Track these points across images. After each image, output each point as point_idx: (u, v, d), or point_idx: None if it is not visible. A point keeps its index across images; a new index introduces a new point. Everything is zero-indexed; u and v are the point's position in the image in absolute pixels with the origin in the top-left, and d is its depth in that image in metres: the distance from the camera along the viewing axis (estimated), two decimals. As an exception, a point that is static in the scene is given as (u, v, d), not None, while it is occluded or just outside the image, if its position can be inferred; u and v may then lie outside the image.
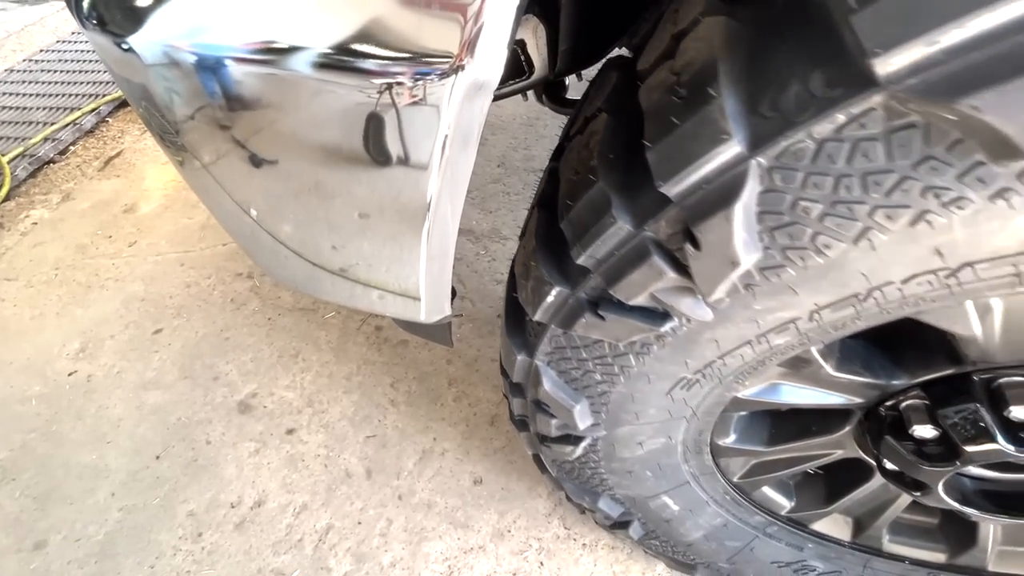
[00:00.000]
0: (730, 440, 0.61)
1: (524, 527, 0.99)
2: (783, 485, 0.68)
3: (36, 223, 1.73)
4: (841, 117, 0.29)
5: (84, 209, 1.77)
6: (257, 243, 0.54)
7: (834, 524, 0.68)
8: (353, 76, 0.32)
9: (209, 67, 0.33)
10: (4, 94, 2.39)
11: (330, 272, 0.50)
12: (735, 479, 0.66)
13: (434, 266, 0.46)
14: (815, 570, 0.70)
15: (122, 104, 2.30)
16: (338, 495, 1.05)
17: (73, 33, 2.89)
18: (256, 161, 0.41)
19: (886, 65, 0.27)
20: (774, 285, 0.37)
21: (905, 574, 0.68)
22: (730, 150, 0.33)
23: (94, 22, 0.36)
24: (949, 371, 0.47)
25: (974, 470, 0.54)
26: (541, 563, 0.95)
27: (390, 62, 0.31)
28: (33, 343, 1.37)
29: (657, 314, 0.43)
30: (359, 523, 1.01)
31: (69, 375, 1.30)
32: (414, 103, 0.32)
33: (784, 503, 0.68)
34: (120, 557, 0.99)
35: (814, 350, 0.48)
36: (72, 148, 2.08)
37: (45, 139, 2.06)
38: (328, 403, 1.19)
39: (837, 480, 0.66)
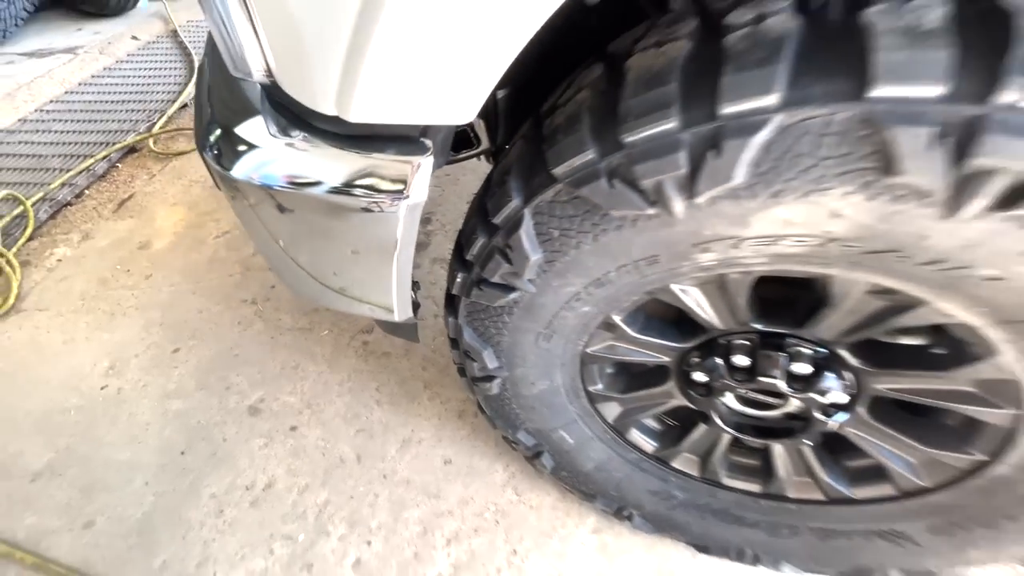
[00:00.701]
0: (599, 388, 0.88)
1: (484, 495, 1.24)
2: (649, 429, 0.95)
3: (60, 260, 1.96)
4: (552, 192, 0.62)
5: (103, 247, 2.01)
6: (289, 271, 0.82)
7: (687, 462, 0.94)
8: (353, 198, 0.60)
9: (269, 186, 0.62)
10: (20, 143, 2.63)
11: (334, 291, 0.78)
12: (611, 421, 0.92)
13: (400, 288, 0.73)
14: (677, 498, 0.97)
15: (130, 151, 2.56)
16: (334, 477, 1.29)
17: (80, 84, 3.15)
18: (291, 227, 0.68)
19: (559, 171, 0.59)
20: (555, 271, 0.68)
21: (739, 501, 0.94)
22: (514, 204, 0.65)
23: (211, 156, 0.64)
24: (705, 336, 0.76)
25: (747, 410, 0.82)
26: (497, 521, 1.20)
27: (374, 192, 0.59)
28: (67, 363, 1.60)
29: (508, 287, 0.73)
30: (351, 497, 1.25)
31: (101, 389, 1.52)
32: (386, 208, 0.61)
33: (650, 444, 0.95)
34: (156, 531, 1.22)
35: (616, 318, 0.76)
36: (87, 191, 2.32)
37: (63, 184, 2.30)
38: (324, 405, 1.44)
39: (683, 426, 0.93)
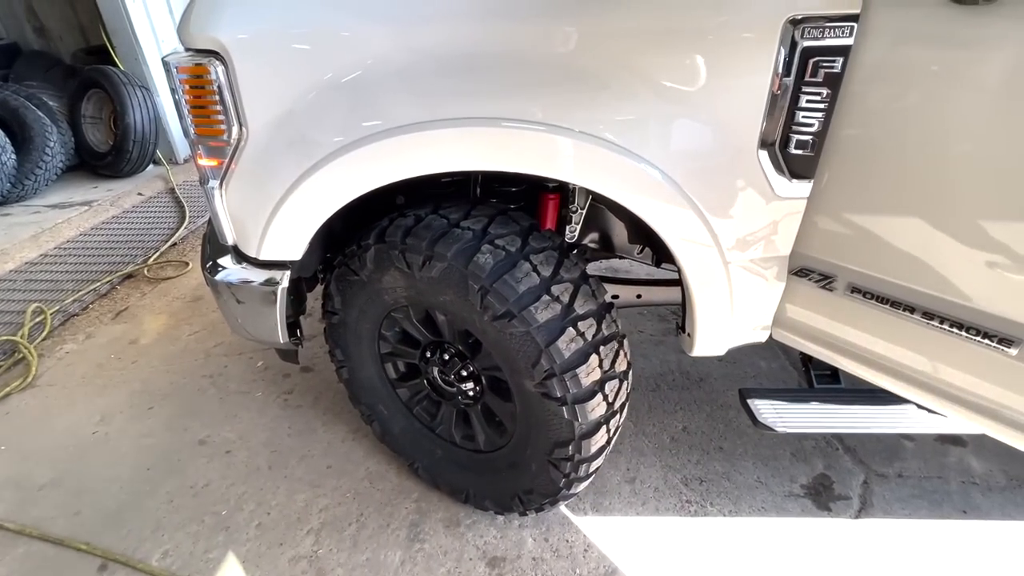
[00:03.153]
0: (394, 378, 1.65)
1: (349, 484, 1.92)
2: (424, 408, 1.70)
3: (68, 352, 2.68)
4: (336, 272, 1.49)
5: (102, 343, 2.74)
6: (238, 326, 1.62)
7: (445, 430, 1.69)
8: (264, 286, 1.44)
9: (231, 283, 1.48)
10: (42, 271, 3.42)
11: (256, 336, 1.57)
12: (404, 401, 1.68)
13: (282, 329, 1.53)
14: (438, 454, 1.69)
15: (128, 276, 3.38)
16: (251, 478, 1.95)
17: (92, 228, 4.04)
18: (239, 307, 1.51)
19: (335, 264, 1.49)
20: (346, 304, 1.51)
21: (466, 455, 1.65)
22: (327, 278, 1.53)
23: (208, 272, 1.49)
24: (423, 345, 1.56)
25: (441, 384, 1.59)
26: (354, 498, 1.87)
27: (270, 284, 1.44)
28: (68, 419, 2.26)
29: (334, 313, 1.55)
30: (261, 489, 1.91)
31: (93, 433, 2.18)
32: (276, 287, 1.45)
33: (426, 418, 1.69)
34: (124, 514, 1.83)
35: (385, 332, 1.55)
36: (92, 305, 3.09)
37: (74, 300, 3.07)
38: (251, 437, 2.13)
39: (439, 407, 1.69)
